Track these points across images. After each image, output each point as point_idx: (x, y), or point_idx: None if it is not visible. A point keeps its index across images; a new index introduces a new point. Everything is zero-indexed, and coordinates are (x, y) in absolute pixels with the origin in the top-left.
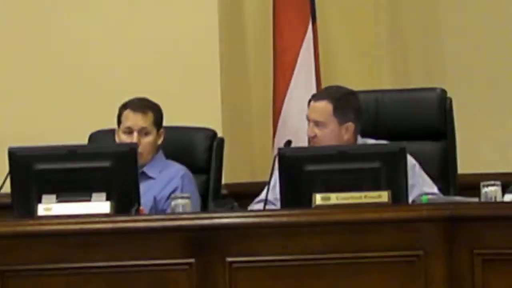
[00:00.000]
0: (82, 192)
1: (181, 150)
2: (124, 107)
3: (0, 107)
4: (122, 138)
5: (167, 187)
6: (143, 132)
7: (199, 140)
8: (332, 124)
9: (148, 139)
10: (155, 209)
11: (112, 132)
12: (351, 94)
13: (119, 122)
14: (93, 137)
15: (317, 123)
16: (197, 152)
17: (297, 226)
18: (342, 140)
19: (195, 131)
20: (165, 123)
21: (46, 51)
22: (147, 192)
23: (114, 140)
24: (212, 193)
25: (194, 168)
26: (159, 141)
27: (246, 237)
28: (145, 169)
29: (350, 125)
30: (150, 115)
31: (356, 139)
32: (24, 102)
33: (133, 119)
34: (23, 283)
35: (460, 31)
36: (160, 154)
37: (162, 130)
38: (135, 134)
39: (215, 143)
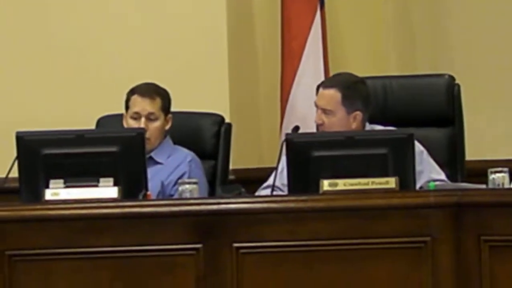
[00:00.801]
0: (89, 177)
1: (189, 136)
2: (132, 92)
3: (8, 93)
4: (130, 123)
5: (174, 172)
6: (150, 117)
7: (207, 125)
8: (340, 112)
9: (156, 124)
10: (163, 194)
11: (120, 116)
12: (360, 82)
13: (127, 107)
14: (101, 121)
15: (325, 111)
16: (205, 138)
17: (304, 212)
18: (350, 128)
19: (203, 116)
20: (172, 108)
21: (53, 36)
22: (155, 177)
23: (122, 125)
24: (220, 179)
25: (202, 153)
26: (167, 127)
27: (254, 223)
28: (152, 154)
29: (358, 114)
30: (158, 101)
31: (364, 128)
32: (31, 88)
33: (141, 104)
34: (30, 267)
35: (468, 17)
36: (168, 140)
37: (170, 115)
38: (143, 119)
39: (222, 129)
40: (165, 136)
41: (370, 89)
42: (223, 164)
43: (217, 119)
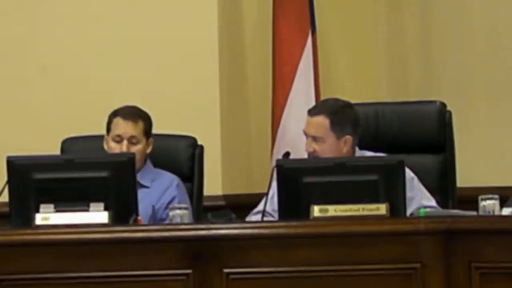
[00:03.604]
0: (80, 201)
1: (164, 158)
2: (114, 114)
3: None
4: (111, 145)
5: (164, 196)
6: (132, 140)
7: (182, 148)
8: (330, 138)
9: (137, 147)
10: (154, 218)
11: (85, 138)
12: (348, 106)
13: (108, 129)
14: (65, 143)
15: (315, 139)
16: (181, 161)
17: (294, 238)
18: (341, 153)
19: (176, 139)
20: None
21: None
22: (142, 201)
23: (102, 147)
24: (196, 201)
25: (179, 176)
26: (148, 150)
27: (244, 248)
28: (138, 178)
29: (348, 138)
30: (140, 124)
31: (354, 151)
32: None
33: (123, 127)
34: None
35: (459, 45)
36: (149, 163)
37: (151, 139)
38: (125, 142)
39: (196, 151)
40: (145, 160)
41: (361, 115)
42: (199, 186)
43: (191, 141)
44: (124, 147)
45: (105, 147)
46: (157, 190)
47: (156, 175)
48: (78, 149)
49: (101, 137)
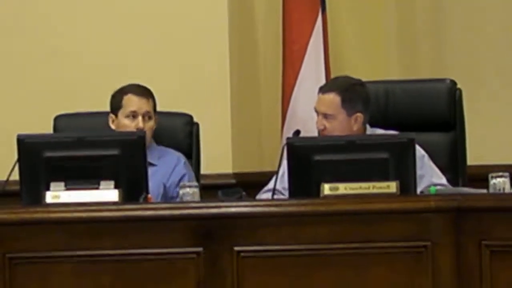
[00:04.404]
0: (90, 179)
1: (162, 136)
2: (123, 92)
3: None
4: (125, 123)
5: (173, 174)
6: (147, 116)
7: (180, 126)
8: (341, 115)
9: (151, 123)
10: (165, 196)
11: (78, 115)
12: (359, 84)
13: (118, 107)
14: (58, 120)
15: (326, 116)
16: (179, 138)
17: (305, 216)
18: (352, 130)
19: (172, 116)
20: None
21: (47, 44)
22: (150, 179)
23: (108, 126)
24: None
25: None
26: (154, 127)
27: (254, 227)
28: None
29: (359, 116)
30: (151, 101)
31: (365, 129)
32: None
33: (138, 103)
34: (30, 270)
35: (469, 23)
36: (153, 141)
37: (156, 116)
38: (140, 118)
39: (194, 129)
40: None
41: (372, 93)
42: (196, 164)
43: (188, 119)
44: (140, 123)
45: (112, 126)
46: (165, 168)
47: (161, 153)
48: (71, 126)
49: (94, 114)
